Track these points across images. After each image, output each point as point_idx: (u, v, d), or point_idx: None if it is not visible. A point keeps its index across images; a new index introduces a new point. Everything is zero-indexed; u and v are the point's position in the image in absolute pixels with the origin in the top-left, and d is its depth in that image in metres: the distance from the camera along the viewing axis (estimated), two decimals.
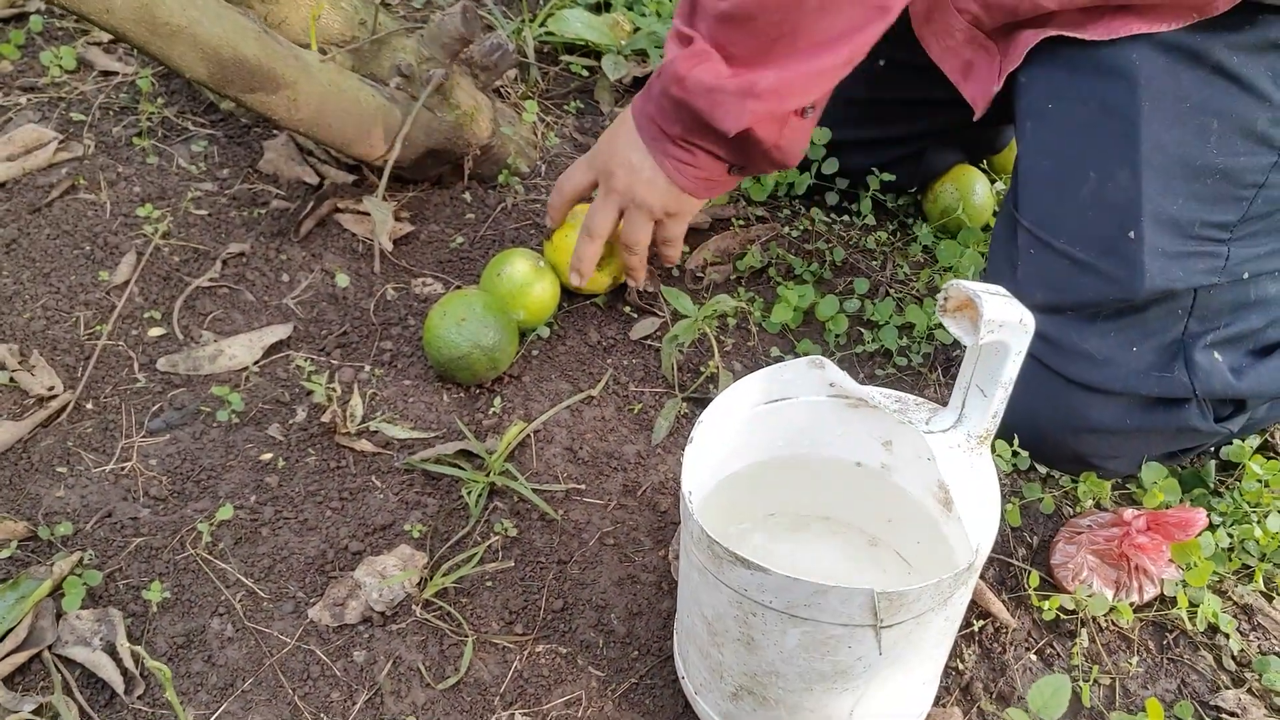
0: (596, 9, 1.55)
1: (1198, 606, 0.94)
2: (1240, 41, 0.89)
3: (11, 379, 1.04)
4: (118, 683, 0.83)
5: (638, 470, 1.03)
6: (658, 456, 1.04)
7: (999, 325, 0.65)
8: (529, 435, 1.04)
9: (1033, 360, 0.98)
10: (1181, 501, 1.03)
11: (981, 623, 0.93)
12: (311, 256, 1.20)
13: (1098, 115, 0.95)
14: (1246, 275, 0.94)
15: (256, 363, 1.09)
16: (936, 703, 0.87)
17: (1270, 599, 0.97)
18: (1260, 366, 0.97)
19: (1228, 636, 0.93)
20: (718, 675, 0.77)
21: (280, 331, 1.12)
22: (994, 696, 0.88)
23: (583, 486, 1.01)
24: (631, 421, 1.08)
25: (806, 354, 1.12)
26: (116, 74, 1.39)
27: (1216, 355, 0.95)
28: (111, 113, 1.34)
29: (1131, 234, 0.92)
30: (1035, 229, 0.99)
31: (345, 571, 0.92)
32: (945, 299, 0.68)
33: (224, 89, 1.01)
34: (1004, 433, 1.01)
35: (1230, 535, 0.99)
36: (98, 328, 1.10)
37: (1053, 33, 0.97)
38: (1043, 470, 1.05)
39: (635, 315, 1.18)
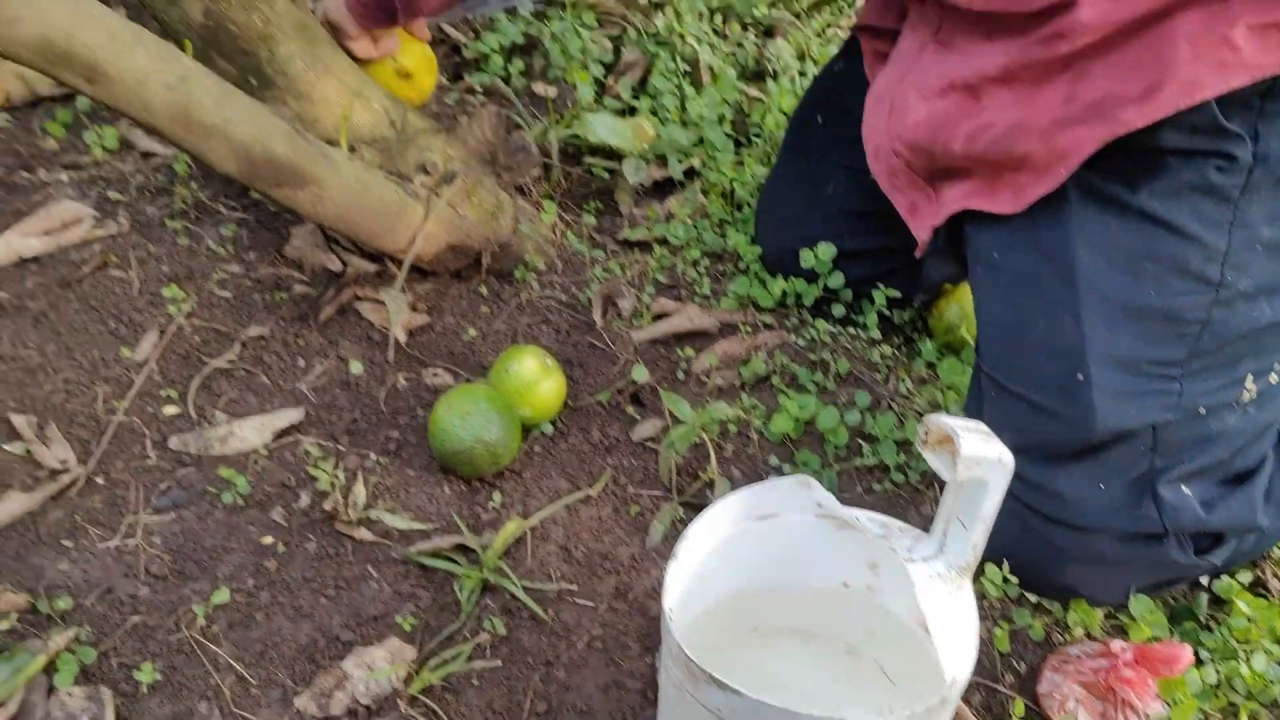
0: (621, 113, 1.60)
1: None
2: (1160, 188, 0.91)
3: (27, 451, 1.07)
4: None
5: (631, 573, 1.04)
6: (651, 560, 1.06)
7: (977, 462, 0.67)
8: (526, 531, 1.06)
9: (1013, 497, 0.99)
10: (1171, 634, 1.02)
11: None
12: (329, 343, 1.24)
13: (1038, 262, 0.97)
14: (1203, 410, 0.94)
15: (266, 445, 1.11)
16: None
17: None
18: (1231, 499, 0.97)
19: None
20: None
21: (292, 415, 1.15)
22: None
23: (575, 587, 1.02)
24: (628, 523, 1.09)
25: (805, 464, 1.14)
26: (156, 155, 1.45)
27: (1185, 489, 0.96)
28: (148, 193, 1.39)
29: (1081, 376, 0.93)
30: (993, 373, 1.02)
31: (335, 661, 0.93)
32: (925, 433, 0.70)
33: (252, 183, 1.05)
34: (994, 560, 1.02)
35: (1218, 671, 0.99)
36: (115, 403, 1.13)
37: (971, 206, 1.01)
38: (1034, 597, 1.05)
39: (639, 416, 1.20)
